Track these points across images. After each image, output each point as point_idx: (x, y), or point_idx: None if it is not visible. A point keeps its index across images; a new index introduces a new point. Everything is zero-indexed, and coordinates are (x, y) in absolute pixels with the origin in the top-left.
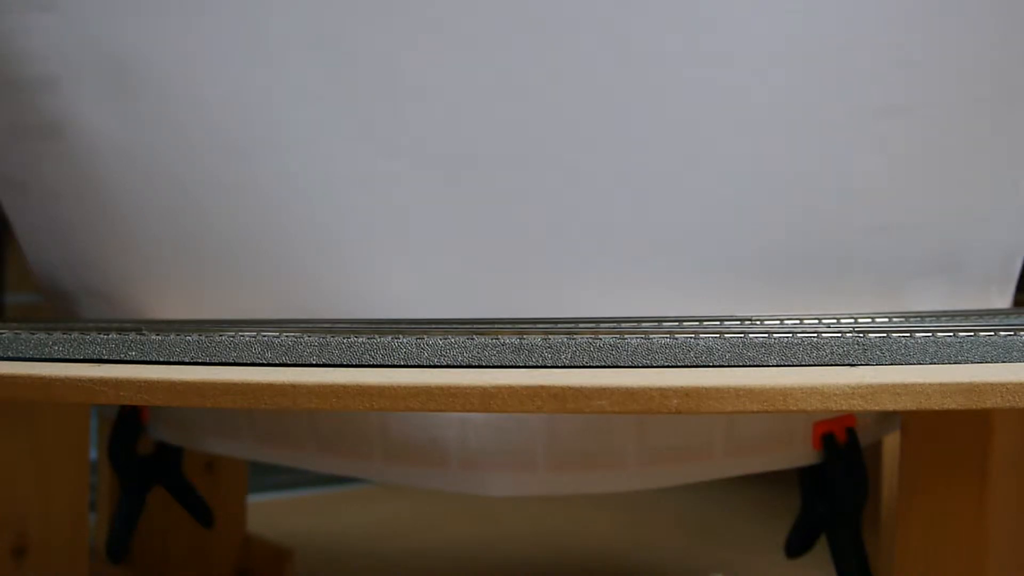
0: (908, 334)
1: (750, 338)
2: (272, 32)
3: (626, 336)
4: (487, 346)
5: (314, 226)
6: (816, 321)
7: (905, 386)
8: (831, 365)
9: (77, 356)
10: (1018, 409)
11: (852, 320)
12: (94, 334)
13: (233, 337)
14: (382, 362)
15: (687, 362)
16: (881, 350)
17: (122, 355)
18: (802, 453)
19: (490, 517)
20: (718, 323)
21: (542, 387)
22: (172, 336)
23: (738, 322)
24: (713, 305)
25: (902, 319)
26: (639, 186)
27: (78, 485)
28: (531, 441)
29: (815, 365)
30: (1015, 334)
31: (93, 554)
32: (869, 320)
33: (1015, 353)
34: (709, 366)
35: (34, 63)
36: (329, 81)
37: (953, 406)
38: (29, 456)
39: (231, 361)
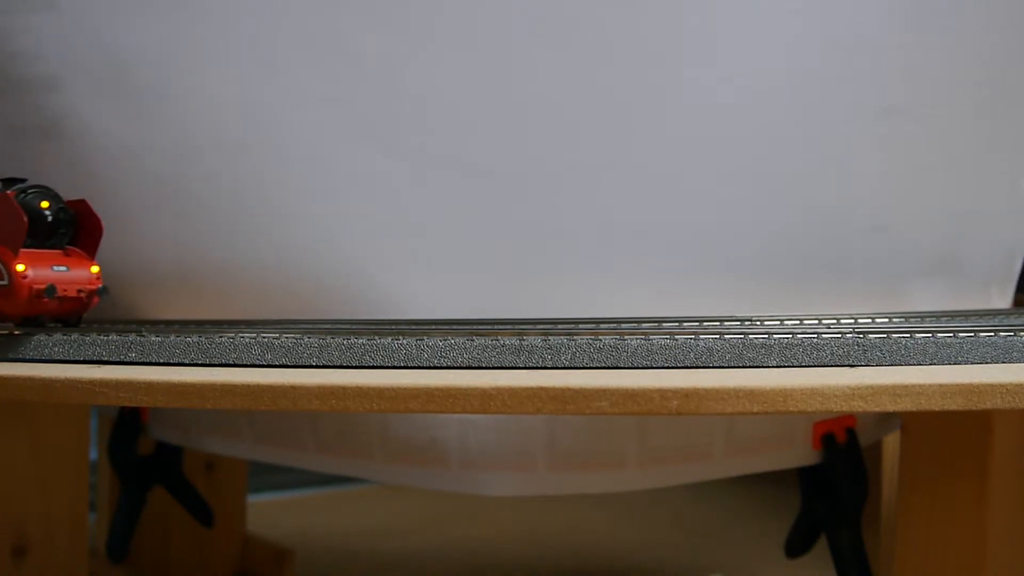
0: (908, 335)
1: (750, 339)
2: (272, 32)
3: (626, 337)
4: (487, 347)
5: (314, 226)
6: (816, 322)
7: (905, 387)
8: (831, 366)
9: (77, 357)
10: (1018, 410)
11: (852, 320)
12: (94, 335)
13: (233, 338)
14: (382, 363)
15: (687, 363)
16: (881, 350)
17: (122, 356)
18: (802, 453)
19: (490, 517)
20: (718, 324)
21: (542, 388)
22: (172, 337)
23: (738, 323)
24: (713, 305)
25: (902, 319)
26: (639, 186)
27: (78, 485)
28: (531, 441)
29: (815, 366)
30: (1015, 334)
31: (93, 554)
32: (869, 320)
33: (1015, 354)
34: (709, 367)
35: (34, 63)
36: (329, 81)
37: (953, 407)
38: (29, 456)
39: (231, 362)
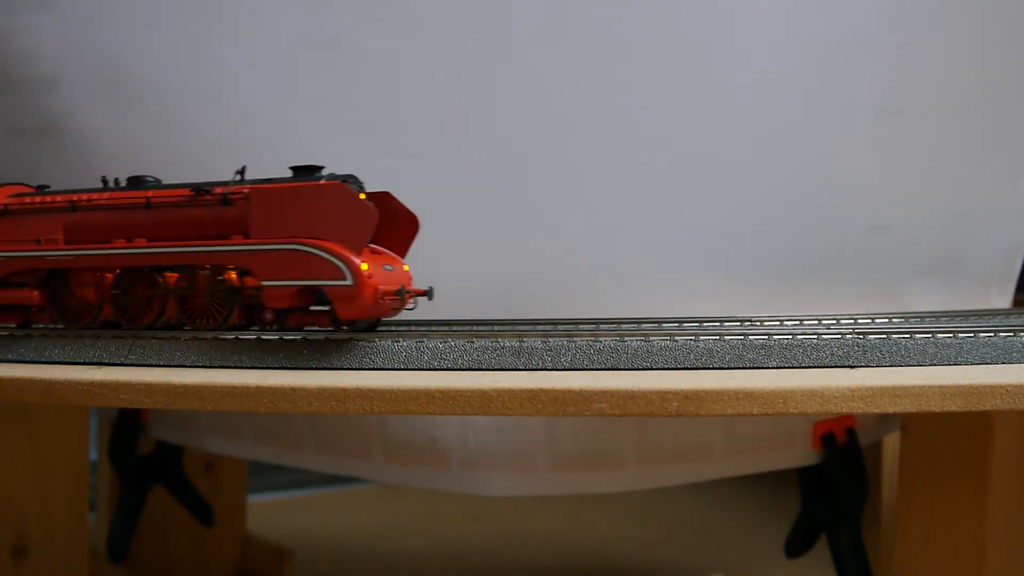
0: (908, 335)
1: (750, 340)
2: (273, 32)
3: (626, 338)
4: (487, 349)
5: None
6: (816, 322)
7: (905, 388)
8: (831, 367)
9: (78, 359)
10: (1018, 410)
11: (852, 321)
12: (94, 337)
13: (233, 340)
14: (382, 365)
15: (687, 364)
16: (881, 351)
17: (122, 358)
18: (802, 453)
19: (490, 517)
20: (718, 324)
21: (542, 390)
22: (171, 339)
23: (738, 323)
24: (713, 305)
25: (902, 319)
26: (639, 186)
27: (78, 485)
28: (531, 442)
29: (815, 367)
30: (1015, 334)
31: (93, 554)
32: (869, 321)
33: (1015, 354)
34: (709, 368)
35: (34, 63)
36: (330, 81)
37: (953, 408)
38: (29, 456)
39: (231, 364)
